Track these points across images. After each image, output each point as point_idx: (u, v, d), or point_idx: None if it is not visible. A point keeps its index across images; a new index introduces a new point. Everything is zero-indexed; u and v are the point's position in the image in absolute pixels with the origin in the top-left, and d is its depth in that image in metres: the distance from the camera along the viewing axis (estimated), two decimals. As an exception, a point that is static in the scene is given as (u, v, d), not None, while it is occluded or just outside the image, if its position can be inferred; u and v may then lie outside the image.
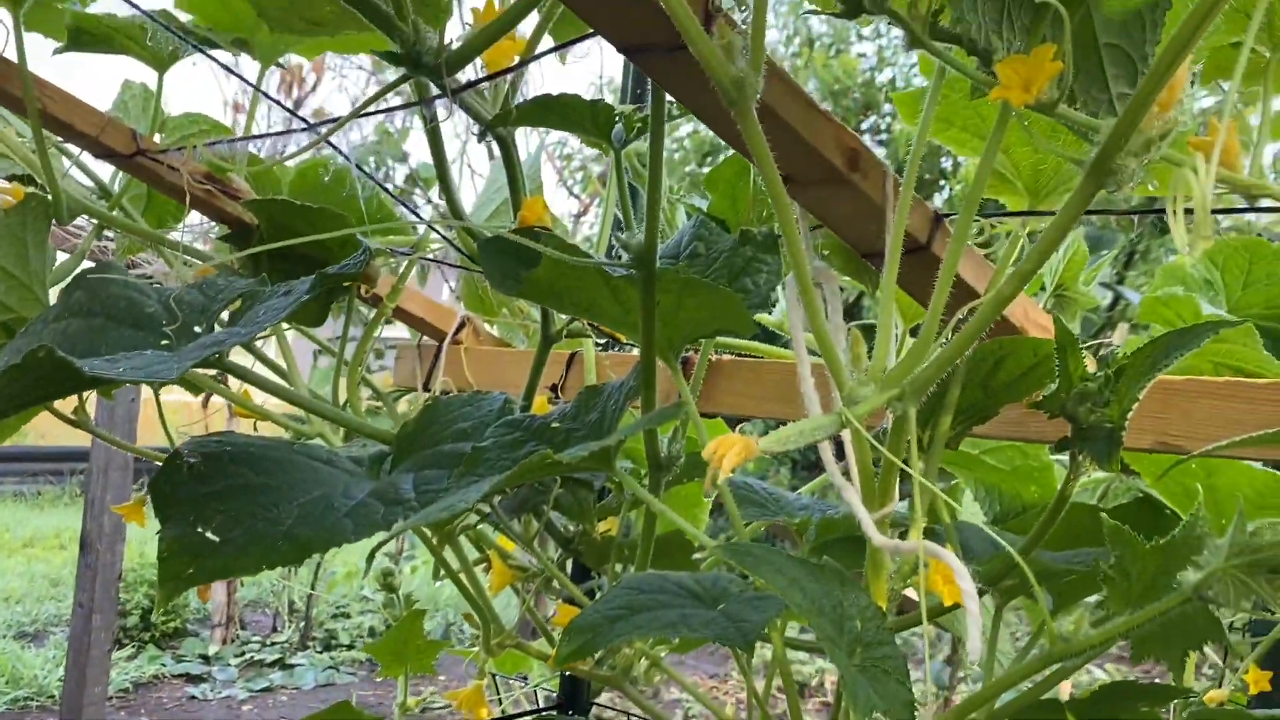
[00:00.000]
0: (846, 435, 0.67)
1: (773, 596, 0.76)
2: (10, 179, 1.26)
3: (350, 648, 6.32)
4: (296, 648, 6.23)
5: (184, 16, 1.17)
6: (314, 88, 5.97)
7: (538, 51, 0.70)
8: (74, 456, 13.10)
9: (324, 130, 0.85)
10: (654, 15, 0.56)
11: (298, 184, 1.29)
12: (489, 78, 0.69)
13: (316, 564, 6.43)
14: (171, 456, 0.76)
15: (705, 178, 0.87)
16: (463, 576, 1.03)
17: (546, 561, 0.93)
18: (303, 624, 6.47)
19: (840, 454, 0.69)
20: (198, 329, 0.86)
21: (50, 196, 1.02)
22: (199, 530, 0.72)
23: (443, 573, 1.14)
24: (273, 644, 6.27)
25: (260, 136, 0.96)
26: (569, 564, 1.21)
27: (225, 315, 0.86)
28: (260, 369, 1.01)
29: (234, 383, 1.10)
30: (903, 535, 0.71)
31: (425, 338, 1.36)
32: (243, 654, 6.02)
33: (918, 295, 0.80)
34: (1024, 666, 0.60)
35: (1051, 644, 0.57)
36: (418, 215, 1.06)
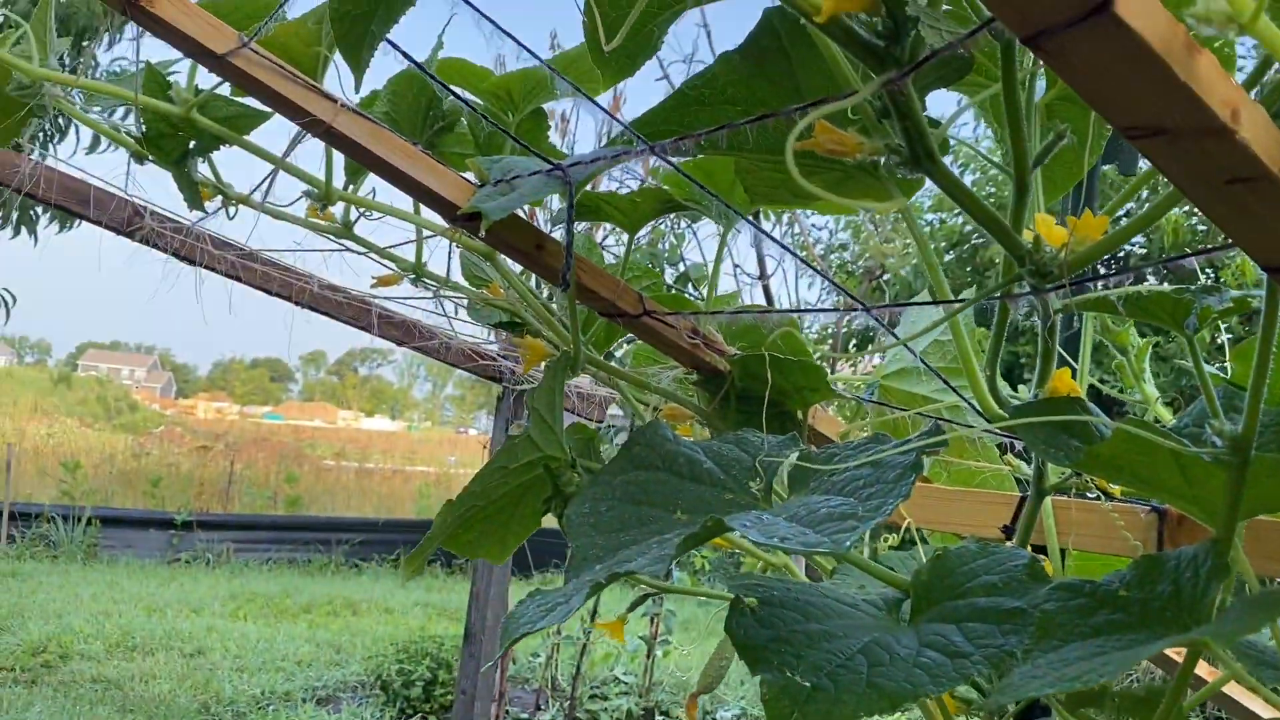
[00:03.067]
0: None
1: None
2: (498, 326, 1.45)
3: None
4: (562, 727, 6.42)
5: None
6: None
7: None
8: (340, 527, 14.18)
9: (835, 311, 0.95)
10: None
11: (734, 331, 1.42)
12: (1087, 279, 0.77)
13: (583, 644, 6.64)
14: (734, 603, 0.86)
15: (1235, 350, 0.91)
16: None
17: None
18: (567, 704, 6.66)
19: None
20: (752, 484, 0.97)
21: (573, 352, 1.18)
22: (790, 675, 0.80)
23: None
24: (539, 722, 6.50)
25: (759, 311, 1.07)
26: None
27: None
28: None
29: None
30: None
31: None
32: (514, 730, 6.27)
33: None
34: None
35: None
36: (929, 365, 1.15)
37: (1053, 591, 0.85)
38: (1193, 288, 0.82)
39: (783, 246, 1.11)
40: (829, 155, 0.70)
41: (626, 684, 7.42)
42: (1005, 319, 0.85)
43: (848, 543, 0.75)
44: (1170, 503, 0.83)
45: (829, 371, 1.28)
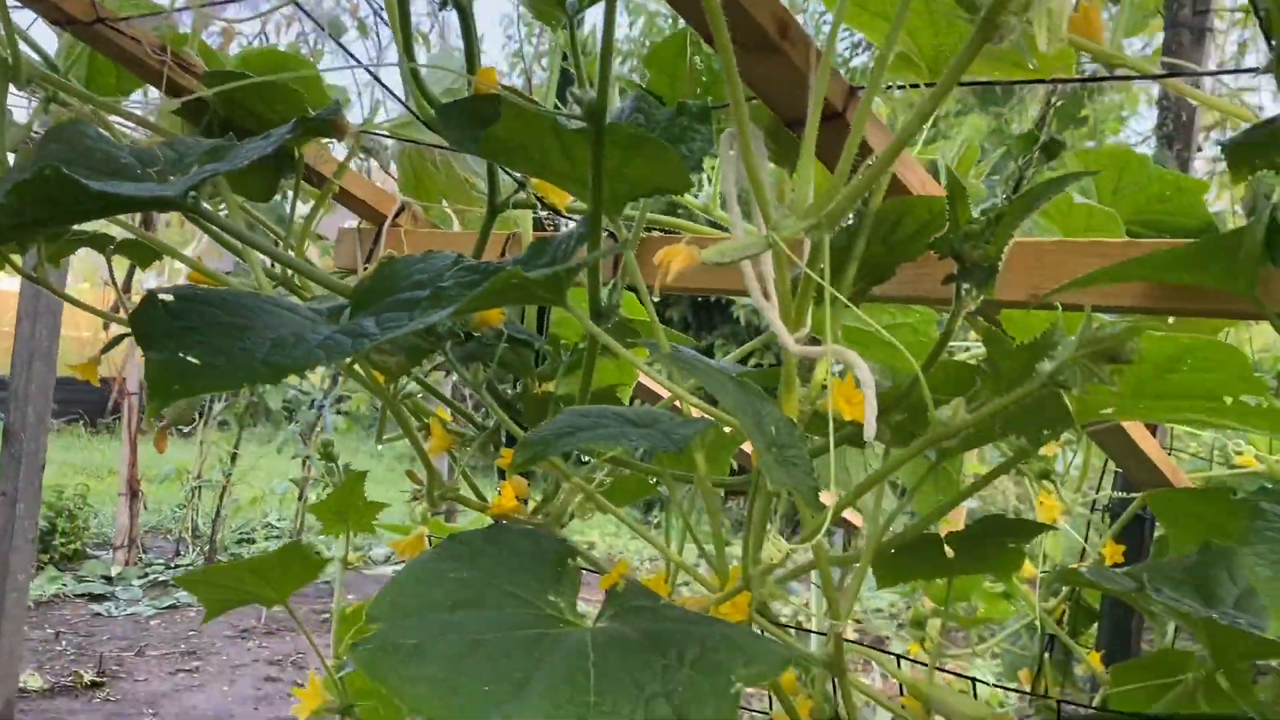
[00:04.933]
0: (770, 273, 0.78)
1: (700, 420, 0.87)
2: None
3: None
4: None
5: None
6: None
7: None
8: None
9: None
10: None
11: (244, 66, 1.34)
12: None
13: (222, 488, 6.41)
14: (146, 296, 0.83)
15: (645, 57, 0.96)
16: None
17: (493, 405, 1.03)
18: (207, 548, 6.45)
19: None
20: (172, 179, 0.93)
21: (10, 60, 1.06)
22: (181, 356, 0.79)
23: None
24: (176, 566, 6.25)
25: (216, 2, 1.01)
26: (502, 432, 1.30)
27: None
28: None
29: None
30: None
31: (364, 222, 1.42)
32: (146, 576, 5.99)
33: (832, 165, 0.90)
34: (907, 451, 0.72)
35: (933, 425, 0.69)
36: (381, 83, 1.13)
37: (455, 272, 0.88)
38: None
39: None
40: None
41: (278, 529, 7.29)
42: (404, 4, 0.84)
43: (185, 187, 0.73)
44: (561, 185, 0.87)
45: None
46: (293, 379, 7.09)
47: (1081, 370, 0.62)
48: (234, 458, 6.42)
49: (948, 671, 1.09)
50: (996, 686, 1.41)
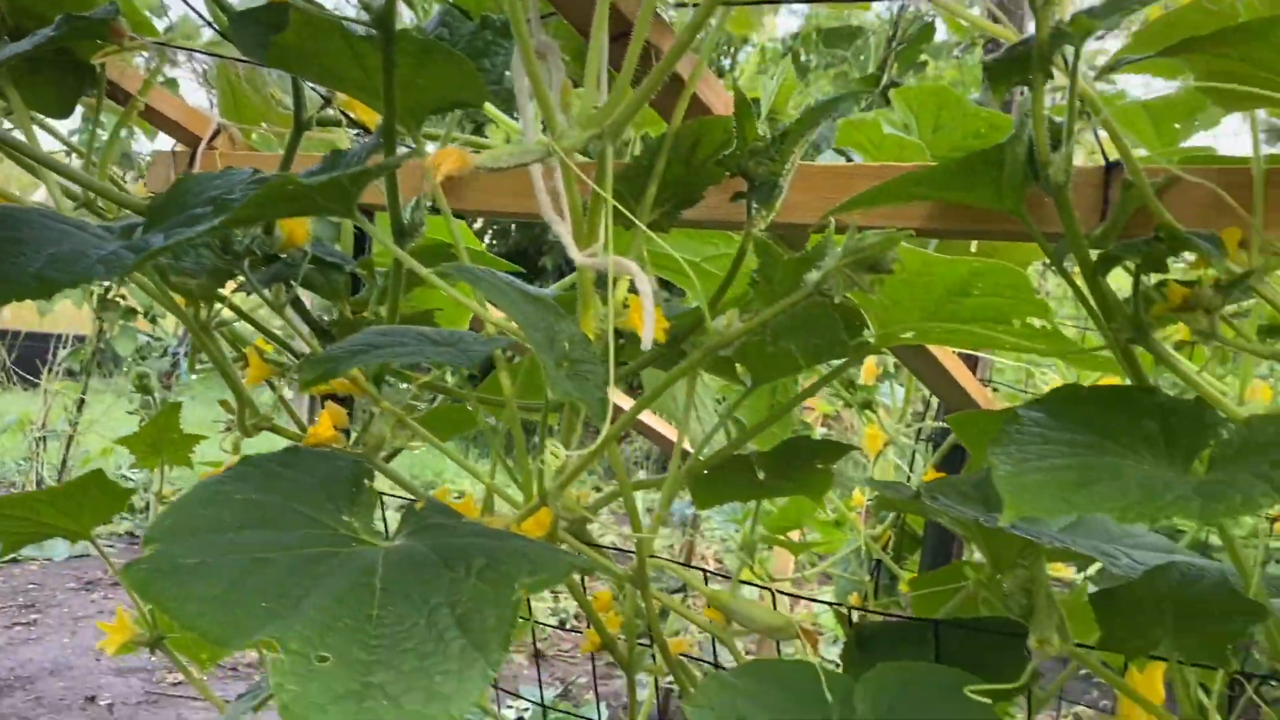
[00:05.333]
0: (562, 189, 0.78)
1: (497, 338, 0.87)
2: None
3: (107, 521, 6.09)
4: (45, 523, 5.94)
5: None
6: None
7: None
8: None
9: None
10: None
11: None
12: None
13: (69, 437, 6.13)
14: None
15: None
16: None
17: (296, 328, 1.00)
18: (52, 500, 6.16)
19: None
20: (-64, 82, 0.87)
21: None
22: (-59, 270, 0.74)
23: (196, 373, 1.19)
24: (18, 520, 5.95)
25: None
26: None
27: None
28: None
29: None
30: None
31: (179, 145, 1.36)
32: (-16, 530, 5.69)
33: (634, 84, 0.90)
34: (689, 361, 0.73)
35: (709, 335, 0.70)
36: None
37: (246, 184, 0.85)
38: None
39: None
40: None
41: (132, 479, 7.01)
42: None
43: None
44: (356, 96, 0.85)
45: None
46: (144, 325, 6.80)
47: (843, 278, 0.63)
48: (81, 406, 6.13)
49: (756, 585, 1.13)
50: (834, 605, 1.47)
